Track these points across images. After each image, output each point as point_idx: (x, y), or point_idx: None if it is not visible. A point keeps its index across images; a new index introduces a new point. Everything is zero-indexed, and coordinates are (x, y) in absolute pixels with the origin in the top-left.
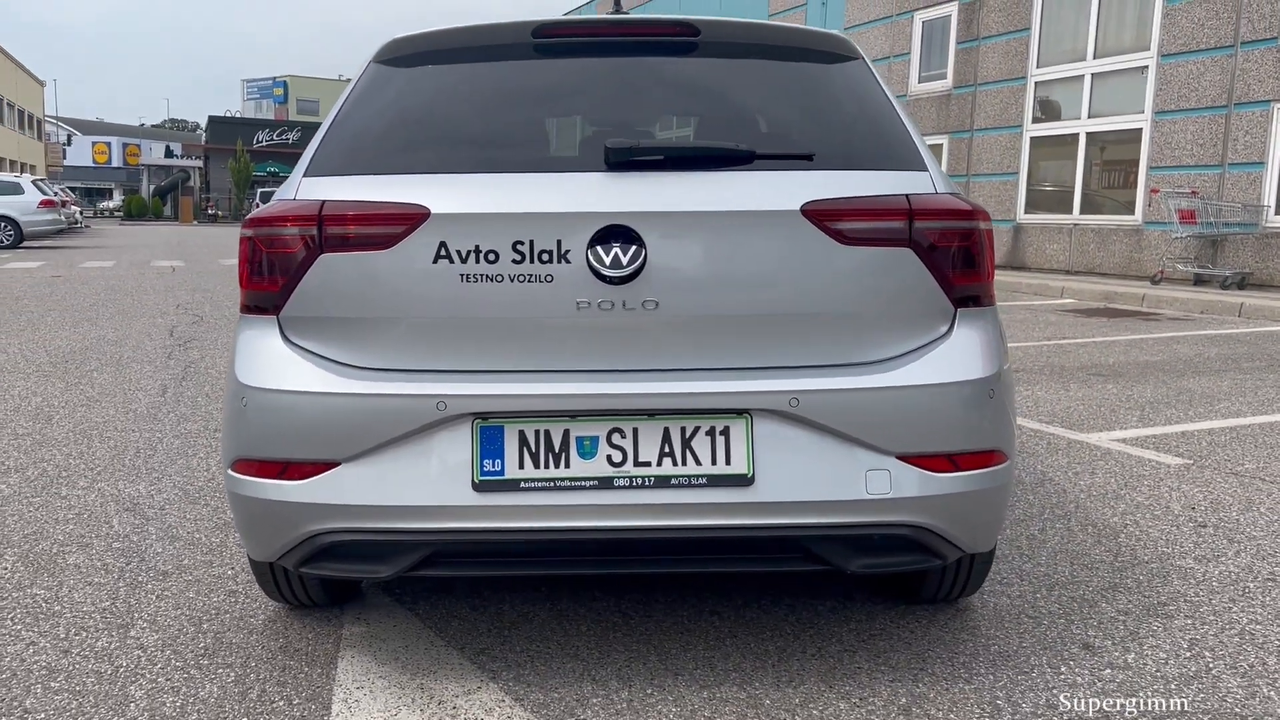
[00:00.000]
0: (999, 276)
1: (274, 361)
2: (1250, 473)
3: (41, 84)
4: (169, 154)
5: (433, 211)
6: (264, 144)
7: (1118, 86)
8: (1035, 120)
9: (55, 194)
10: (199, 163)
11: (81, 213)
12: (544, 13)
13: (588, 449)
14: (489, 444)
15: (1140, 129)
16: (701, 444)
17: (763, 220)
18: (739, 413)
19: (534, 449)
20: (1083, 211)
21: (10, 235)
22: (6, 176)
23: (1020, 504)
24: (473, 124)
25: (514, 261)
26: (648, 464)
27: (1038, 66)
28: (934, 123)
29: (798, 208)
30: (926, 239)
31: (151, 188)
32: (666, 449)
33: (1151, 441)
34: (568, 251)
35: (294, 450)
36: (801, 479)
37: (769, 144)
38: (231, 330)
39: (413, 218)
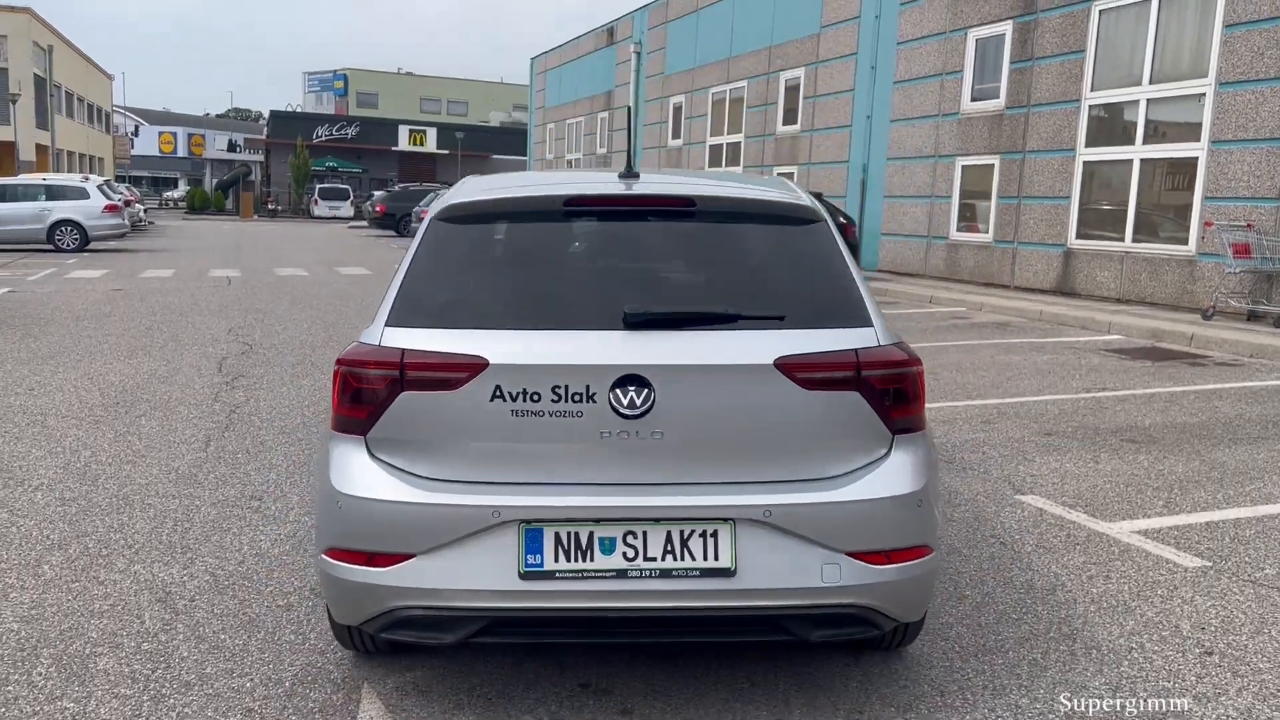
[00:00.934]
0: (1045, 306)
1: (363, 473)
2: (1269, 581)
3: (110, 77)
4: (231, 148)
5: (490, 362)
6: (323, 139)
7: (1173, 113)
8: (1088, 144)
9: (118, 197)
10: (260, 157)
11: (145, 211)
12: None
13: (608, 547)
14: (531, 543)
15: (1196, 158)
16: (696, 544)
17: (745, 371)
18: (725, 520)
19: (566, 547)
20: (1135, 239)
21: (76, 239)
22: (74, 182)
23: (1029, 618)
24: (519, 285)
25: (552, 401)
26: (654, 559)
27: (1092, 89)
28: (985, 143)
29: (771, 362)
30: (871, 384)
31: (214, 182)
32: (669, 547)
33: (1173, 535)
34: (594, 394)
35: (379, 544)
36: (772, 571)
37: (751, 303)
38: (279, 365)
39: (475, 367)
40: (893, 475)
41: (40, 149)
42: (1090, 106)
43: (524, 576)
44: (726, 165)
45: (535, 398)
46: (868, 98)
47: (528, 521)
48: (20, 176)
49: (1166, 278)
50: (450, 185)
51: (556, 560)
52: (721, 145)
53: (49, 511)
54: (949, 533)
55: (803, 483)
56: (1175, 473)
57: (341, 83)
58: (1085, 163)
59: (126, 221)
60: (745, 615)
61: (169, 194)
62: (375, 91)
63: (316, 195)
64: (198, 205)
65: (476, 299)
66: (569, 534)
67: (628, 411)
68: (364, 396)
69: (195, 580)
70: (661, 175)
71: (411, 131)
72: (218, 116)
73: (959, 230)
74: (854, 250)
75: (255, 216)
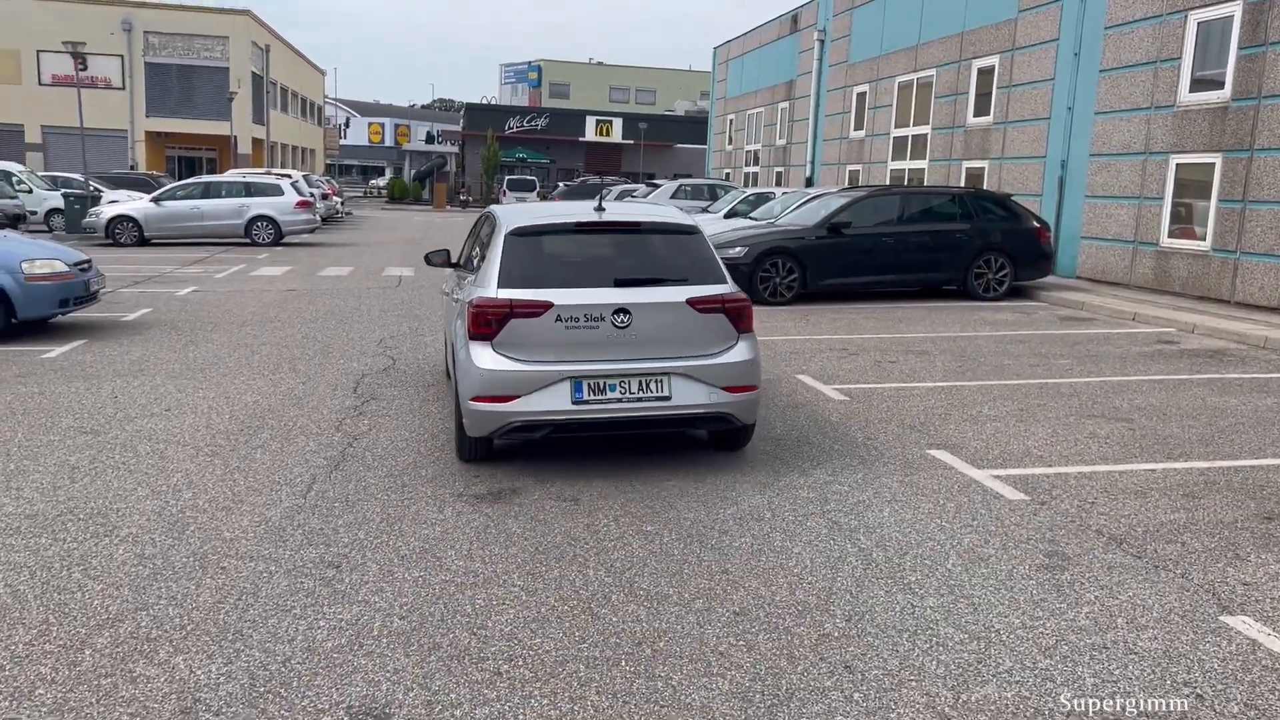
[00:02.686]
0: (1272, 331)
1: (492, 359)
2: None
3: (322, 73)
4: (429, 139)
5: (554, 303)
6: (514, 130)
7: None
8: None
9: (317, 191)
10: (455, 149)
11: (343, 203)
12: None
13: (612, 388)
14: (577, 387)
15: None
16: (652, 385)
17: (673, 305)
18: (666, 374)
19: (593, 388)
20: None
21: (271, 234)
22: (269, 179)
23: None
24: (560, 265)
25: (584, 320)
26: (635, 394)
27: None
28: (1205, 139)
29: (684, 300)
30: (728, 310)
31: (412, 172)
32: (640, 387)
33: None
34: (603, 317)
35: (501, 391)
36: (688, 396)
37: (671, 272)
38: (414, 387)
39: (546, 306)
40: (738, 352)
41: (256, 143)
42: None
43: (574, 404)
44: (911, 159)
45: (576, 320)
46: (1069, 87)
47: (574, 378)
48: (228, 174)
49: None
50: (625, 178)
51: (589, 395)
52: (906, 138)
53: (121, 573)
54: (1130, 671)
55: (700, 356)
56: None
57: (535, 74)
58: None
59: (317, 217)
60: (676, 418)
61: (374, 181)
62: (567, 82)
63: (505, 186)
64: (397, 195)
65: (541, 272)
66: (594, 383)
67: (619, 325)
68: (491, 322)
69: (230, 683)
70: (619, 206)
71: (598, 122)
72: (423, 108)
73: (1171, 236)
74: (1047, 257)
75: (448, 207)
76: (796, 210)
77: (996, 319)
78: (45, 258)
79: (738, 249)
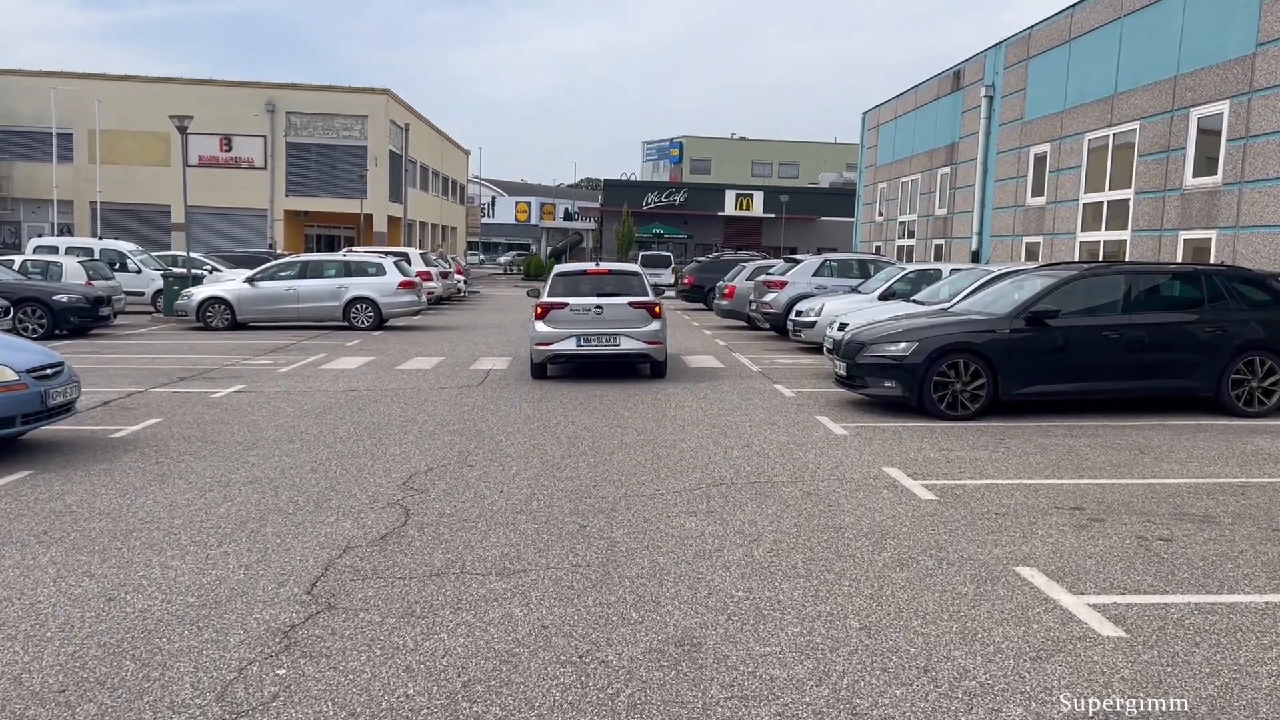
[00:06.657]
0: None
1: (544, 328)
2: None
3: (466, 153)
4: (567, 217)
5: (569, 303)
6: (652, 206)
7: None
8: None
9: (429, 271)
10: (593, 225)
11: (466, 281)
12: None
13: (596, 341)
14: (578, 340)
15: None
16: (611, 340)
17: (622, 304)
18: (618, 334)
19: (585, 340)
20: None
21: (371, 317)
22: (372, 258)
23: None
24: (575, 287)
25: (582, 310)
26: (604, 343)
27: None
28: None
29: (626, 303)
30: (649, 309)
31: (548, 249)
32: (606, 340)
33: None
34: (590, 310)
35: (547, 341)
36: (628, 345)
37: (623, 290)
38: (406, 580)
39: (566, 304)
40: (653, 326)
41: (393, 220)
42: None
43: (577, 347)
44: (1106, 229)
45: (578, 310)
46: None
47: (577, 335)
48: (342, 253)
49: None
50: (764, 253)
51: (583, 343)
52: (1101, 204)
53: None
54: None
55: (634, 328)
56: None
57: (677, 150)
58: None
59: (422, 298)
60: (623, 354)
61: (501, 259)
62: (708, 158)
63: (640, 262)
64: (532, 272)
65: (566, 290)
66: (585, 338)
67: (598, 314)
68: (543, 311)
69: None
70: (607, 263)
71: (738, 196)
72: (569, 186)
73: None
74: None
75: None
76: (976, 293)
77: None
78: None
79: (901, 345)
